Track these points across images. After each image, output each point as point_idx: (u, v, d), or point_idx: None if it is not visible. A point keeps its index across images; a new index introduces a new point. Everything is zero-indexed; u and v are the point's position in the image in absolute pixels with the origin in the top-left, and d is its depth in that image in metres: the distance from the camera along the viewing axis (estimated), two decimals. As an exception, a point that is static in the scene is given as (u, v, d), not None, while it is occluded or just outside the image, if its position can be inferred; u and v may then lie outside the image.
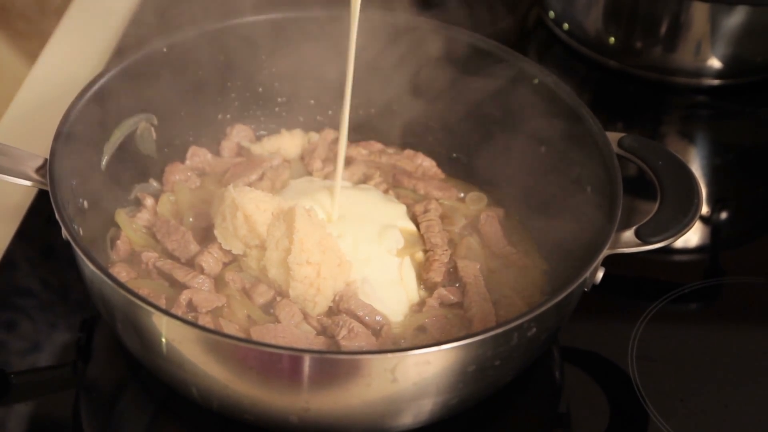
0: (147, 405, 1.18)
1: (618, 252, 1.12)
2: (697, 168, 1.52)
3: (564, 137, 1.25)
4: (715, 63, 1.58)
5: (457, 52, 1.32)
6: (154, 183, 1.32)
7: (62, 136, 1.16)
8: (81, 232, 1.15)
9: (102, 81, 1.22)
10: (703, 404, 1.19)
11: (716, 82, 1.60)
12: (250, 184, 1.31)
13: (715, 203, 1.46)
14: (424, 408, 1.07)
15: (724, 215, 1.45)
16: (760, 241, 1.44)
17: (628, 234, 1.12)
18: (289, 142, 1.39)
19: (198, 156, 1.35)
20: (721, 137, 1.58)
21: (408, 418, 1.08)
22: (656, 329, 1.25)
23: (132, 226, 1.25)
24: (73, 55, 1.58)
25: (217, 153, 1.38)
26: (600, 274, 1.14)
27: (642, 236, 1.12)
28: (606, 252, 1.11)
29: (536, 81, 1.28)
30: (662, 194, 1.16)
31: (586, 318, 1.21)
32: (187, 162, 1.35)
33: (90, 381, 1.19)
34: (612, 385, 1.21)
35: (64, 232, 1.08)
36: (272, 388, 1.03)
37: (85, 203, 1.20)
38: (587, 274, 1.08)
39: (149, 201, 1.29)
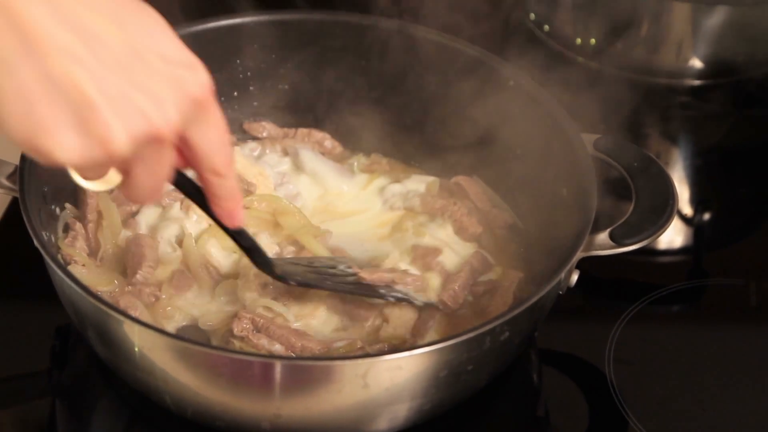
0: (122, 411, 1.17)
1: (592, 254, 1.11)
2: (679, 169, 1.52)
3: (540, 139, 1.24)
4: (696, 63, 1.57)
5: (430, 53, 1.32)
6: None
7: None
8: (53, 239, 1.14)
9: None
10: (681, 407, 1.18)
11: (697, 82, 1.59)
12: None
13: (698, 204, 1.45)
14: (398, 413, 1.06)
15: (706, 216, 1.45)
16: (743, 242, 1.43)
17: (603, 236, 1.12)
18: None
19: None
20: (702, 138, 1.57)
21: (382, 424, 1.07)
22: (635, 331, 1.24)
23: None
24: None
25: None
26: (575, 277, 1.13)
27: (616, 238, 1.11)
28: (580, 254, 1.10)
29: (511, 83, 1.27)
30: (636, 196, 1.15)
31: (564, 319, 1.20)
32: None
33: (65, 388, 1.18)
34: (590, 388, 1.20)
35: (35, 241, 1.08)
36: (243, 395, 1.03)
37: (57, 210, 1.20)
38: (560, 277, 1.07)
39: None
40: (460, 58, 1.30)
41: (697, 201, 1.46)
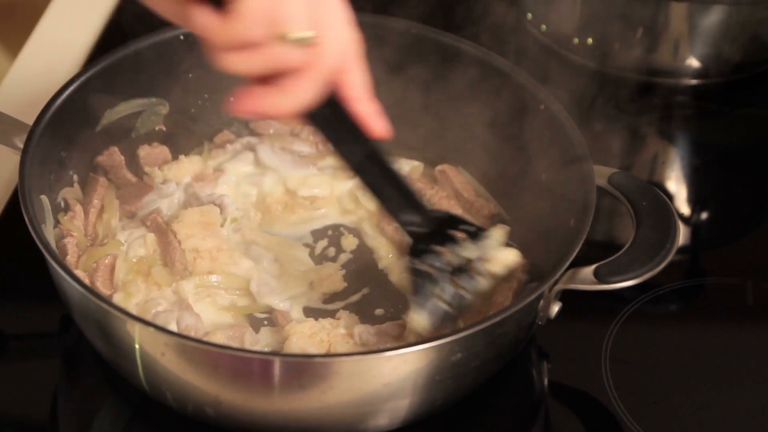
0: (123, 409, 1.17)
1: (571, 288, 1.10)
2: (676, 168, 1.52)
3: (561, 168, 1.22)
4: (693, 63, 1.57)
5: (464, 65, 1.31)
6: None
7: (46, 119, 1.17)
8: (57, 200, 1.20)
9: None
10: (676, 407, 1.18)
11: (695, 81, 1.59)
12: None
13: (695, 203, 1.45)
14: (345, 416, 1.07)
15: (703, 215, 1.45)
16: (740, 241, 1.43)
17: (587, 271, 1.10)
18: (177, 170, 1.32)
19: (113, 157, 1.29)
20: (700, 137, 1.57)
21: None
22: (632, 330, 1.24)
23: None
24: (58, 45, 1.58)
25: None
26: (556, 308, 1.12)
27: (600, 275, 1.09)
28: (560, 287, 1.10)
29: (542, 107, 1.24)
30: (636, 236, 1.12)
31: (561, 318, 1.19)
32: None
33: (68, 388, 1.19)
34: (586, 386, 1.20)
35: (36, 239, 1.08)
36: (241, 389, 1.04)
37: (75, 176, 1.24)
38: (515, 309, 1.05)
39: None
40: (492, 73, 1.29)
41: (694, 200, 1.46)
